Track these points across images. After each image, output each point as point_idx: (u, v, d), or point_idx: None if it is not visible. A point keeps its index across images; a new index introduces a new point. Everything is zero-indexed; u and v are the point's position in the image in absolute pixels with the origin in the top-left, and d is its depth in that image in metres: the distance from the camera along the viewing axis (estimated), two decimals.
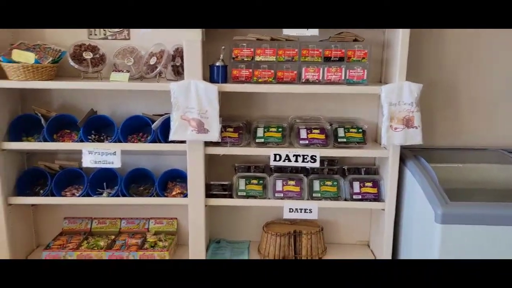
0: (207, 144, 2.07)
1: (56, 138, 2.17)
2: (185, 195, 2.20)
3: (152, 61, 2.07)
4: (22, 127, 2.21)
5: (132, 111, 2.27)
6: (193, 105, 1.95)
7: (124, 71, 2.08)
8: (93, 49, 2.12)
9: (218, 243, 2.44)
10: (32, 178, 2.29)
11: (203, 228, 2.14)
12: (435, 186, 1.79)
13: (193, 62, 1.93)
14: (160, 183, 2.25)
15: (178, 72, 2.14)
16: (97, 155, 2.08)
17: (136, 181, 2.33)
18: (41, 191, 2.23)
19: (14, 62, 1.95)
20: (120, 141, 2.14)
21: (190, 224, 2.14)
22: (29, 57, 1.93)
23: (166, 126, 2.12)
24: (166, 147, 2.10)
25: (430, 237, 1.72)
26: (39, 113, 2.16)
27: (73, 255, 2.19)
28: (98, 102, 2.27)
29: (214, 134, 1.98)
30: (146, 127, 2.26)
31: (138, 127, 2.26)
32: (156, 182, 2.23)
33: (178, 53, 2.11)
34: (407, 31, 1.90)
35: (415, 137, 1.96)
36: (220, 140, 2.01)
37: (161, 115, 2.15)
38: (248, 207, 2.37)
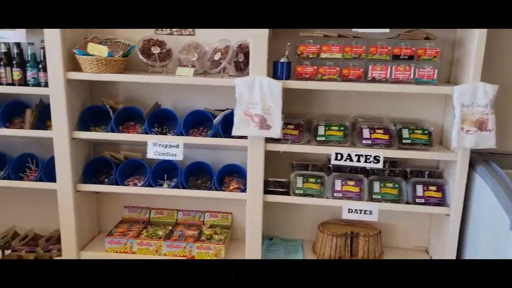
0: (268, 140, 2.07)
1: (121, 130, 2.26)
2: (242, 190, 2.22)
3: (217, 56, 2.10)
4: (91, 117, 2.31)
5: (193, 105, 2.31)
6: (256, 101, 1.96)
7: (189, 66, 2.12)
8: (161, 44, 2.18)
9: (271, 239, 2.45)
10: (98, 167, 2.39)
11: (260, 224, 2.15)
12: (510, 193, 1.70)
13: (259, 58, 1.94)
14: (218, 178, 2.28)
15: (240, 68, 2.15)
16: (161, 147, 2.14)
17: (193, 174, 2.37)
18: (106, 180, 2.33)
19: (88, 55, 2.04)
20: (182, 135, 2.19)
21: (247, 219, 2.16)
22: (102, 51, 2.01)
23: (226, 121, 2.15)
24: (228, 142, 2.12)
25: (504, 245, 1.63)
26: (107, 104, 2.25)
27: (134, 243, 2.27)
28: (161, 96, 2.34)
29: (276, 131, 1.97)
30: (206, 122, 2.30)
31: (198, 121, 2.30)
32: (215, 176, 2.26)
33: (241, 49, 2.13)
34: (484, 31, 1.81)
35: (488, 141, 1.86)
36: (281, 137, 2.01)
37: (223, 110, 2.18)
38: (302, 205, 2.36)
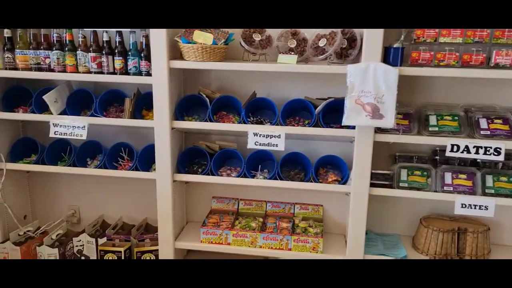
0: (376, 130, 1.98)
1: (215, 119, 2.22)
2: (341, 182, 2.14)
3: (321, 43, 2.02)
4: (184, 106, 2.29)
5: (288, 94, 2.25)
6: (369, 89, 1.87)
7: (292, 53, 2.05)
8: (261, 31, 2.12)
9: (366, 234, 2.36)
10: (190, 157, 2.38)
11: (364, 219, 2.07)
12: None
13: (373, 43, 1.85)
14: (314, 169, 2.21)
15: (342, 55, 2.07)
16: (262, 137, 2.09)
17: (285, 165, 2.31)
18: (199, 170, 2.31)
19: (193, 43, 2.01)
20: (280, 125, 2.13)
21: (351, 213, 2.08)
22: (208, 38, 1.97)
23: (326, 110, 2.08)
24: (330, 132, 2.05)
25: None
26: (204, 93, 2.22)
27: (229, 234, 2.24)
28: (255, 84, 2.28)
29: (389, 121, 1.88)
30: (301, 111, 2.24)
31: (293, 111, 2.24)
32: (312, 168, 2.19)
33: (343, 35, 2.04)
34: None
35: None
36: (394, 127, 1.91)
37: (324, 99, 2.11)
38: (400, 198, 2.25)
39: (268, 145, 2.09)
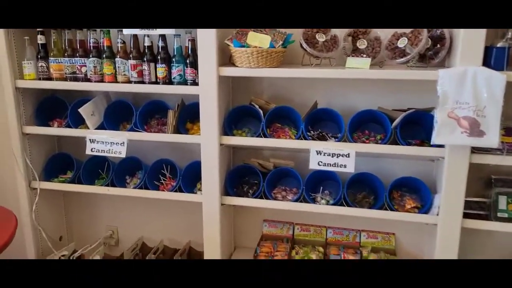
0: (472, 150, 1.61)
1: (269, 133, 1.92)
2: (422, 210, 1.78)
3: (401, 43, 1.67)
4: (233, 119, 2.01)
5: (354, 104, 1.92)
6: (467, 99, 1.50)
7: (364, 56, 1.72)
8: (325, 30, 1.80)
9: None
10: (240, 174, 2.09)
11: (455, 256, 1.69)
12: None
13: (474, 42, 1.48)
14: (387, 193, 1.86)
15: (425, 58, 1.71)
16: (326, 156, 1.76)
17: (351, 185, 1.97)
18: (249, 190, 2.01)
19: (247, 46, 1.71)
20: (348, 140, 1.80)
21: (438, 249, 1.71)
22: (264, 41, 1.67)
23: (403, 124, 1.73)
24: (415, 152, 1.69)
25: None
26: (257, 104, 1.93)
27: None
28: (315, 92, 1.97)
29: (493, 139, 1.50)
30: (371, 124, 1.90)
31: (360, 123, 1.90)
32: (386, 192, 1.84)
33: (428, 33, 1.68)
34: None
35: None
36: (499, 147, 1.54)
37: (402, 111, 1.76)
38: (494, 232, 1.84)
39: (335, 166, 1.76)
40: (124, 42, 1.90)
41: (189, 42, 1.84)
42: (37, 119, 2.13)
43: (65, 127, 2.08)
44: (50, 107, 2.16)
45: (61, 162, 2.25)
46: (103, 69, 1.92)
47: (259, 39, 1.68)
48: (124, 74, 1.91)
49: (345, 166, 1.75)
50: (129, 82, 1.92)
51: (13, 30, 1.94)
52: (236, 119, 2.02)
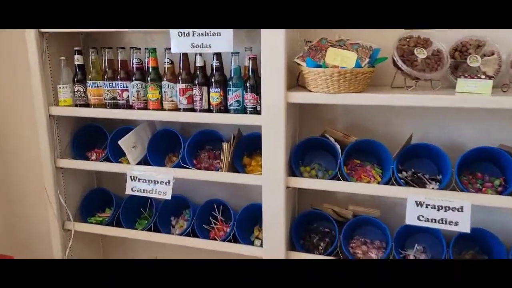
0: None
1: (347, 172, 1.52)
2: None
3: None
4: (300, 153, 1.63)
5: (459, 138, 1.49)
6: None
7: (483, 77, 1.29)
8: (425, 42, 1.39)
9: None
10: (307, 219, 1.71)
11: None
12: None
13: None
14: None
15: None
16: (430, 209, 1.34)
17: (456, 241, 1.52)
18: (320, 244, 1.62)
19: (323, 66, 1.34)
20: (458, 188, 1.37)
21: None
22: (348, 59, 1.29)
23: None
24: None
25: None
26: (331, 136, 1.54)
27: None
28: (405, 122, 1.56)
29: None
30: (482, 163, 1.46)
31: (468, 163, 1.46)
32: (508, 254, 1.39)
33: None
34: None
35: None
36: None
37: None
38: None
39: (442, 223, 1.33)
40: (172, 62, 1.59)
41: (250, 61, 1.50)
42: (73, 150, 1.86)
43: (103, 160, 1.79)
44: (89, 136, 1.90)
45: (100, 198, 1.97)
46: (147, 94, 1.62)
47: (341, 57, 1.30)
48: (172, 100, 1.60)
49: (456, 224, 1.32)
50: (177, 109, 1.60)
51: (48, 49, 1.69)
52: (303, 151, 1.65)
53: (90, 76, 1.68)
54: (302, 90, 1.46)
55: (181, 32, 1.46)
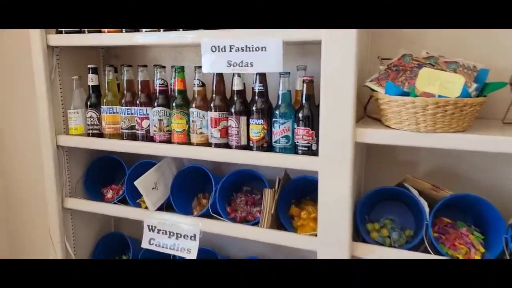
0: None
1: (434, 235, 1.10)
2: None
3: None
4: (367, 205, 1.23)
5: None
6: None
7: None
8: None
9: None
10: None
11: None
12: None
13: None
14: None
15: None
16: None
17: None
18: None
19: (412, 94, 0.95)
20: None
21: None
22: (453, 84, 0.89)
23: None
24: None
25: None
26: (414, 187, 1.13)
27: None
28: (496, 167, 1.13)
29: None
30: None
31: None
32: None
33: None
34: None
35: None
36: None
37: None
38: None
39: None
40: (203, 85, 1.25)
41: (304, 84, 1.12)
42: (86, 186, 1.56)
43: (118, 201, 1.47)
44: (105, 169, 1.59)
45: (116, 244, 1.65)
46: (172, 123, 1.29)
47: (440, 81, 0.90)
48: (201, 133, 1.25)
49: None
50: (208, 144, 1.25)
51: (59, 66, 1.41)
52: (372, 203, 1.25)
53: (105, 100, 1.37)
54: (373, 123, 1.08)
55: (215, 46, 1.12)
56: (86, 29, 1.31)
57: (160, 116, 1.30)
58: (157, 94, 1.30)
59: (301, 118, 1.12)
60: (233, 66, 1.12)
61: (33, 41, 1.34)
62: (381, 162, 1.26)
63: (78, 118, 1.42)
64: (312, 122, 1.11)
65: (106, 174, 1.60)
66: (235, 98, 1.20)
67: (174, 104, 1.27)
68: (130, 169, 1.46)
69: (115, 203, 1.48)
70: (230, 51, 1.11)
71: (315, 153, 1.11)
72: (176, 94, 1.28)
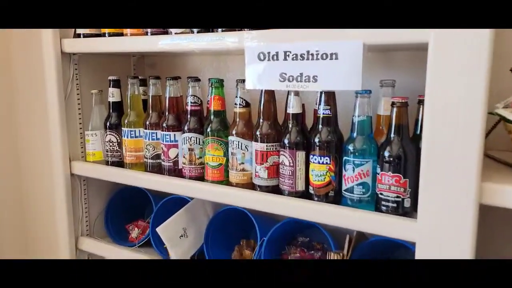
0: None
1: None
2: None
3: None
4: None
5: None
6: None
7: None
8: None
9: None
10: None
11: None
12: None
13: None
14: None
15: None
16: None
17: None
18: None
19: None
20: None
21: None
22: None
23: None
24: None
25: None
26: None
27: None
28: None
29: None
30: None
31: None
32: None
33: None
34: None
35: None
36: None
37: None
38: None
39: None
40: (247, 105, 0.93)
41: (394, 109, 0.76)
42: (108, 219, 1.30)
43: (142, 243, 1.19)
44: (131, 201, 1.32)
45: None
46: (205, 155, 0.97)
47: None
48: (243, 169, 0.92)
49: None
50: (251, 186, 0.92)
51: (77, 77, 1.16)
52: None
53: (126, 121, 1.09)
54: (503, 171, 0.69)
55: (263, 53, 0.80)
56: (106, 31, 1.05)
57: (190, 145, 0.99)
58: (188, 116, 1.00)
59: (387, 159, 0.75)
60: (289, 80, 0.79)
61: (45, 45, 1.10)
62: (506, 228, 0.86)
63: (96, 141, 1.16)
64: (405, 166, 0.74)
65: (131, 206, 1.33)
66: (291, 125, 0.86)
67: (208, 130, 0.96)
68: (158, 205, 1.17)
69: (140, 245, 1.20)
70: (285, 59, 0.78)
71: (407, 212, 0.74)
72: (212, 116, 0.96)
